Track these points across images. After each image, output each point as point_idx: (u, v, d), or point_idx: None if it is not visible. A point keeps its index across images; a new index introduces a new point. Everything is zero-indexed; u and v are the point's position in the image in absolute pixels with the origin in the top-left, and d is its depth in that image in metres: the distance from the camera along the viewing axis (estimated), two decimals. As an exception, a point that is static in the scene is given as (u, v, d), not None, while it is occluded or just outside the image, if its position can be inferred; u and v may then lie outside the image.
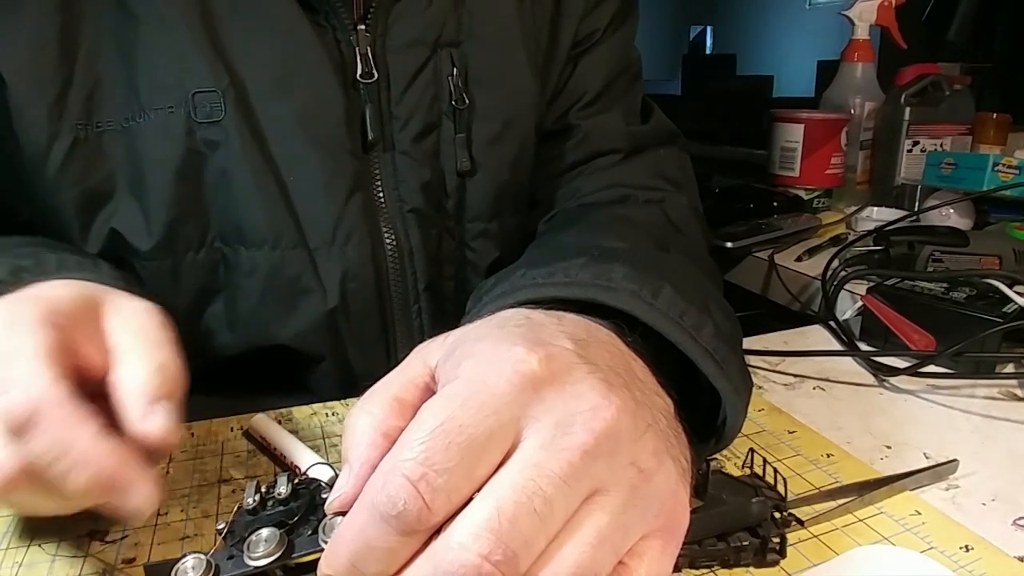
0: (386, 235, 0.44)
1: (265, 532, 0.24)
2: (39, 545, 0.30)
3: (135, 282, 0.35)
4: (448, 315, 0.47)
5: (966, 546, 0.30)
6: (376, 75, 0.43)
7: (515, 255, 0.42)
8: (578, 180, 0.51)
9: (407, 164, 0.44)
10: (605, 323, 0.27)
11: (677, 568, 0.28)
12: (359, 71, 0.42)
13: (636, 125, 0.53)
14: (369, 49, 0.42)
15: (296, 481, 0.27)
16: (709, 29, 4.49)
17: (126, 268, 0.41)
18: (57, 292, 0.29)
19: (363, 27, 0.42)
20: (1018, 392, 0.46)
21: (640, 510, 0.22)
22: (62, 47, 0.38)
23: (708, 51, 4.41)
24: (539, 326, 0.25)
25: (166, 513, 0.33)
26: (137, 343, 0.28)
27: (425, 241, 0.45)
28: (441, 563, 0.19)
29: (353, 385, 0.45)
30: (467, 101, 0.45)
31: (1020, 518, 0.33)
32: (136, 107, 0.39)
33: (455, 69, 0.44)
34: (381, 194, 0.44)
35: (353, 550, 0.21)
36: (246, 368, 0.44)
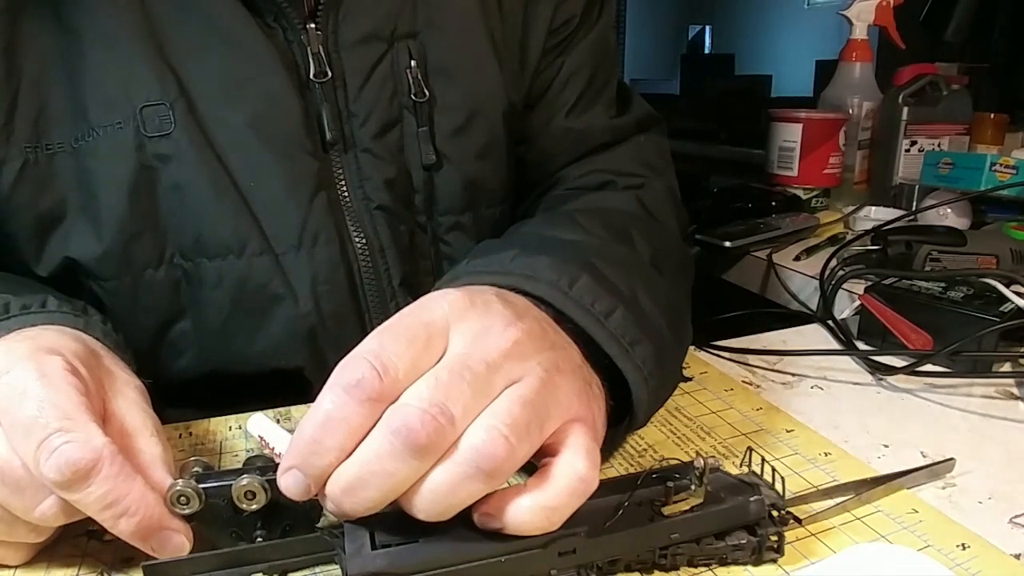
0: (355, 234, 0.43)
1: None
2: (37, 544, 0.30)
3: (120, 335, 0.36)
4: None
5: (963, 544, 0.30)
6: (330, 73, 0.42)
7: (493, 222, 0.47)
8: (564, 170, 0.52)
9: (370, 161, 0.44)
10: (532, 301, 0.31)
11: (675, 566, 0.28)
12: (312, 71, 0.42)
13: (616, 115, 0.54)
14: (321, 48, 0.42)
15: None
16: (708, 29, 4.49)
17: (84, 291, 0.41)
18: (71, 347, 0.30)
19: (313, 25, 0.42)
20: (1015, 391, 0.46)
21: (554, 397, 0.26)
22: (5, 71, 0.38)
23: (707, 51, 4.41)
24: (471, 287, 0.30)
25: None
26: (139, 420, 0.30)
27: (395, 237, 0.44)
28: (391, 421, 0.23)
29: None
30: (427, 93, 0.44)
31: (1016, 516, 0.33)
32: (85, 126, 0.39)
33: (413, 61, 0.44)
34: (346, 193, 0.43)
35: (315, 424, 0.24)
36: (223, 388, 0.44)
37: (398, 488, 0.24)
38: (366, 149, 0.43)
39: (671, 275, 0.40)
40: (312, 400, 0.41)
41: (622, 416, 0.32)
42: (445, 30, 0.45)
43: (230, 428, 0.40)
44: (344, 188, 0.43)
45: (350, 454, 0.24)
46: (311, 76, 0.42)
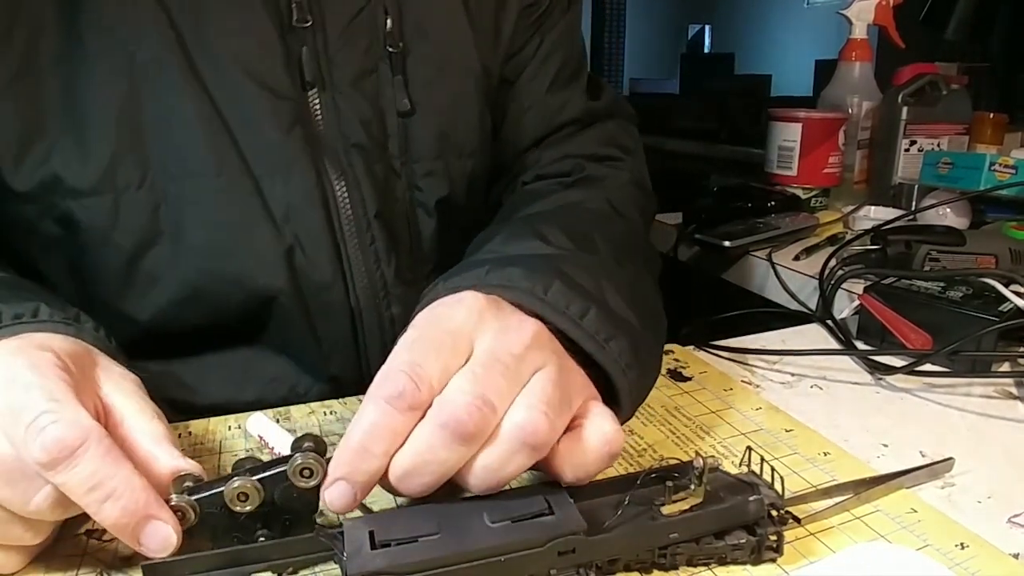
0: (331, 168, 0.45)
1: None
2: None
3: (113, 341, 0.37)
4: (402, 246, 0.48)
5: (961, 544, 0.30)
6: (311, 20, 0.45)
7: (463, 195, 0.51)
8: (539, 151, 0.55)
9: (347, 103, 0.46)
10: None
11: (674, 566, 0.29)
12: (295, 16, 0.44)
13: (591, 99, 0.58)
14: None
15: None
16: (707, 28, 4.49)
17: (58, 212, 0.42)
18: (62, 346, 0.31)
19: None
20: (1014, 391, 0.46)
21: (572, 381, 0.30)
22: None
23: (706, 50, 4.41)
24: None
25: (164, 511, 0.32)
26: (137, 406, 0.31)
27: (371, 174, 0.46)
28: (439, 415, 0.26)
29: (312, 328, 0.45)
30: (402, 46, 0.47)
31: (1015, 516, 0.33)
32: (81, 50, 0.40)
33: (389, 20, 0.47)
34: (323, 129, 0.45)
35: (362, 433, 0.27)
36: (199, 326, 0.45)
37: (451, 472, 0.27)
38: (343, 92, 0.46)
39: (634, 268, 0.42)
40: (279, 343, 0.46)
41: None
42: None
43: (229, 428, 0.40)
44: (321, 124, 0.45)
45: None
46: (294, 22, 0.44)
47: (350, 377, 0.47)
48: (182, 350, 0.45)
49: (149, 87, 0.41)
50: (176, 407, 0.44)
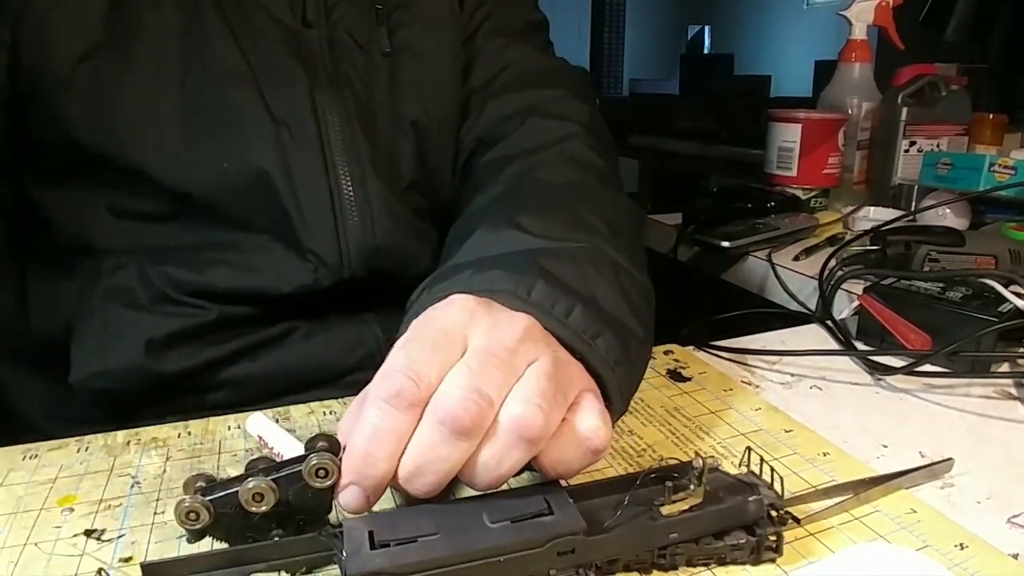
0: (323, 84, 0.51)
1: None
2: (35, 544, 0.30)
3: None
4: (380, 153, 0.52)
5: (961, 544, 0.30)
6: None
7: (436, 130, 0.56)
8: (492, 101, 0.58)
9: (339, 42, 0.52)
10: None
11: (674, 566, 0.29)
12: None
13: (542, 64, 0.61)
14: None
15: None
16: (707, 28, 4.50)
17: (108, 108, 0.46)
18: None
19: None
20: (1013, 391, 0.46)
21: (568, 373, 0.30)
22: None
23: (706, 50, 4.42)
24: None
25: (163, 512, 0.33)
26: None
27: (355, 95, 0.52)
28: (436, 411, 0.27)
29: (296, 202, 0.48)
30: (388, 4, 0.55)
31: (1014, 516, 0.33)
32: None
33: None
34: (318, 60, 0.51)
35: (364, 437, 0.27)
36: (202, 205, 0.49)
37: (453, 470, 0.27)
38: (336, 33, 0.52)
39: (627, 237, 0.43)
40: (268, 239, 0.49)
41: None
42: None
43: (229, 428, 0.40)
44: (317, 56, 0.51)
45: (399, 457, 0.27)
46: None
47: (330, 256, 0.49)
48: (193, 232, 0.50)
49: (186, 18, 0.48)
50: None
